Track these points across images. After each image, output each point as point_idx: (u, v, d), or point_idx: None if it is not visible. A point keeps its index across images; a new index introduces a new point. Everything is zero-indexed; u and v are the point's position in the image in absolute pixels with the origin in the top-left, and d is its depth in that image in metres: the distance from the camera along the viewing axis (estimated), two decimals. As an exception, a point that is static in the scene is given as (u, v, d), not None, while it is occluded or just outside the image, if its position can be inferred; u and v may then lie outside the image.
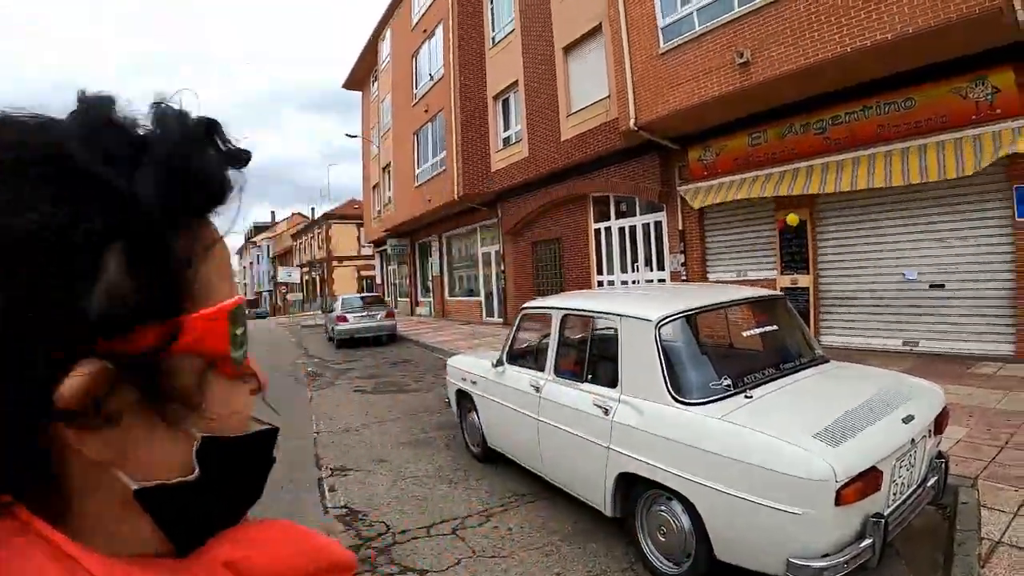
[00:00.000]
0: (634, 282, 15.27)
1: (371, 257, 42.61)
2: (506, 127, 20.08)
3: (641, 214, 15.11)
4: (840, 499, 3.12)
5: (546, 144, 17.15)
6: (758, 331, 5.03)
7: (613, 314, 4.61)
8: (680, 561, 3.97)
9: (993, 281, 9.20)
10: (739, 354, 5.16)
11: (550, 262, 18.64)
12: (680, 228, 13.67)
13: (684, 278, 13.52)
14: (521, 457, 5.71)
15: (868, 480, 3.27)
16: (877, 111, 9.91)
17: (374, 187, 33.93)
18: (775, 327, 5.01)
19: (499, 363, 5.95)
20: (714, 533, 3.63)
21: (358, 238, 48.56)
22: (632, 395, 4.27)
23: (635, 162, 14.38)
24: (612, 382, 4.50)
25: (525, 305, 5.99)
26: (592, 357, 4.90)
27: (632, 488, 4.29)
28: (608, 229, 16.15)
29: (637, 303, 4.71)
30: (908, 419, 3.78)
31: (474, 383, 6.47)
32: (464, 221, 23.68)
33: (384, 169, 31.17)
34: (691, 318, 4.49)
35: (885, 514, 3.36)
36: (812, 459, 3.18)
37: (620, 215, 15.85)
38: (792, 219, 11.34)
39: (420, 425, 8.39)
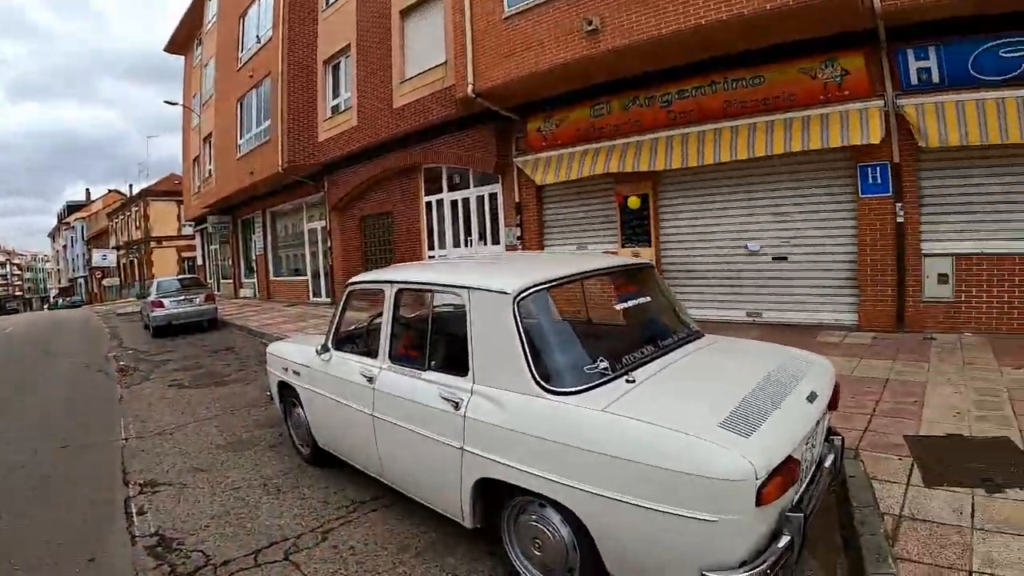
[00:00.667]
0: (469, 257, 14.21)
1: (193, 237, 38.57)
2: (335, 94, 18.50)
3: (476, 186, 14.41)
4: (761, 499, 2.55)
5: (377, 112, 15.90)
6: (631, 304, 4.29)
7: (460, 287, 3.73)
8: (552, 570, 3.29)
9: (836, 254, 9.48)
10: (609, 332, 4.41)
11: (379, 237, 17.54)
12: (517, 201, 13.13)
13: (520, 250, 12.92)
14: (358, 460, 4.74)
15: (787, 472, 2.73)
16: (725, 87, 9.86)
17: (195, 160, 30.73)
18: (647, 299, 4.34)
19: (324, 349, 4.88)
20: (604, 546, 2.94)
21: (179, 216, 44.29)
22: (487, 385, 3.46)
23: (471, 132, 13.59)
24: (462, 370, 3.65)
25: (352, 280, 4.91)
26: (435, 340, 4.02)
27: (496, 495, 3.49)
28: (440, 202, 15.32)
29: (489, 273, 3.85)
30: (812, 397, 3.36)
31: (297, 373, 5.34)
32: (289, 196, 21.87)
33: (205, 140, 28.18)
34: (554, 290, 3.71)
35: (801, 506, 2.90)
36: (726, 455, 2.58)
37: (453, 187, 15.04)
38: (633, 202, 11.11)
39: (242, 423, 7.23)
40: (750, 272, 10.31)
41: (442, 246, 15.41)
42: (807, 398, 3.32)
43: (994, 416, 5.20)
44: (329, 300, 20.16)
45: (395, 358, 4.24)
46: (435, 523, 4.26)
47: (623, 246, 11.51)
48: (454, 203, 14.95)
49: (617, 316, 4.39)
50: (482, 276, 3.73)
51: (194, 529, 4.54)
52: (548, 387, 3.22)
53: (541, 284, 3.57)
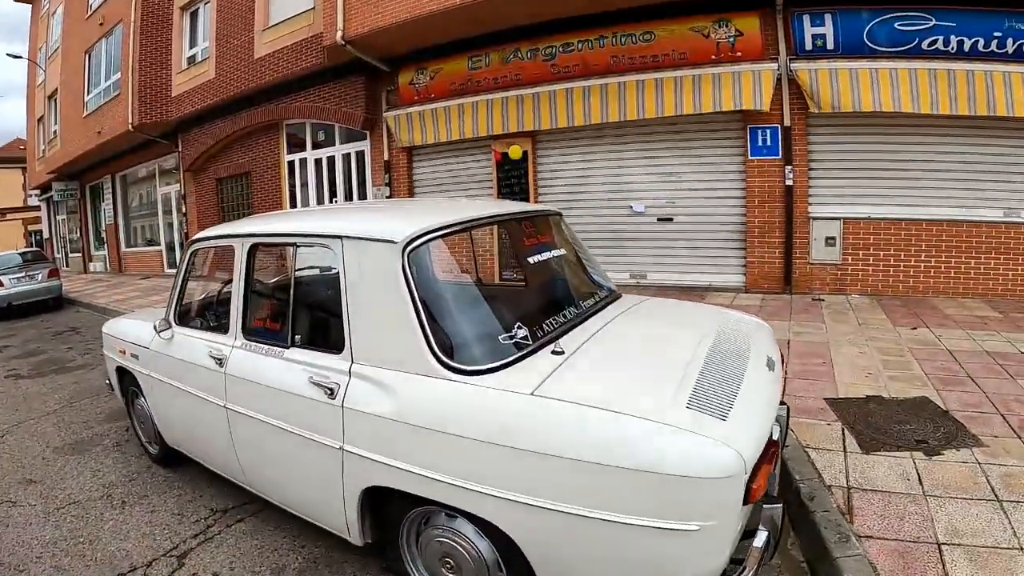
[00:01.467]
0: None
1: (39, 208, 33.89)
2: (192, 44, 16.35)
3: (341, 143, 13.21)
4: (749, 495, 2.00)
5: (237, 64, 14.25)
6: (543, 258, 3.53)
7: (329, 236, 2.86)
8: None
9: (724, 216, 9.30)
10: (516, 293, 3.64)
11: (237, 200, 15.92)
12: (386, 159, 12.12)
13: None
14: (215, 463, 3.80)
15: (770, 458, 2.19)
16: (613, 42, 9.30)
17: (39, 120, 26.60)
18: (559, 252, 3.63)
19: (165, 325, 3.84)
20: (543, 569, 2.26)
21: (24, 185, 39.05)
22: (370, 364, 2.63)
23: (338, 85, 12.38)
24: (336, 345, 2.81)
25: (196, 236, 3.85)
26: (301, 308, 3.17)
27: (389, 503, 2.68)
28: (304, 161, 13.96)
29: (367, 219, 3.07)
30: (771, 364, 2.88)
31: (136, 357, 4.26)
32: (141, 157, 19.41)
33: (50, 97, 24.44)
34: (450, 240, 2.93)
35: (775, 494, 2.41)
36: (709, 447, 1.98)
37: (318, 145, 13.71)
38: (515, 151, 10.44)
39: (84, 417, 5.99)
40: (634, 233, 10.00)
41: (305, 208, 14.06)
42: (767, 365, 2.81)
43: (905, 376, 5.13)
44: None
45: (250, 333, 3.31)
46: (315, 534, 3.45)
47: None
48: (318, 162, 13.67)
49: (521, 274, 3.69)
50: (359, 222, 2.91)
51: (24, 562, 3.48)
52: (453, 365, 2.44)
53: (436, 230, 2.75)
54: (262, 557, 3.36)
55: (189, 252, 3.87)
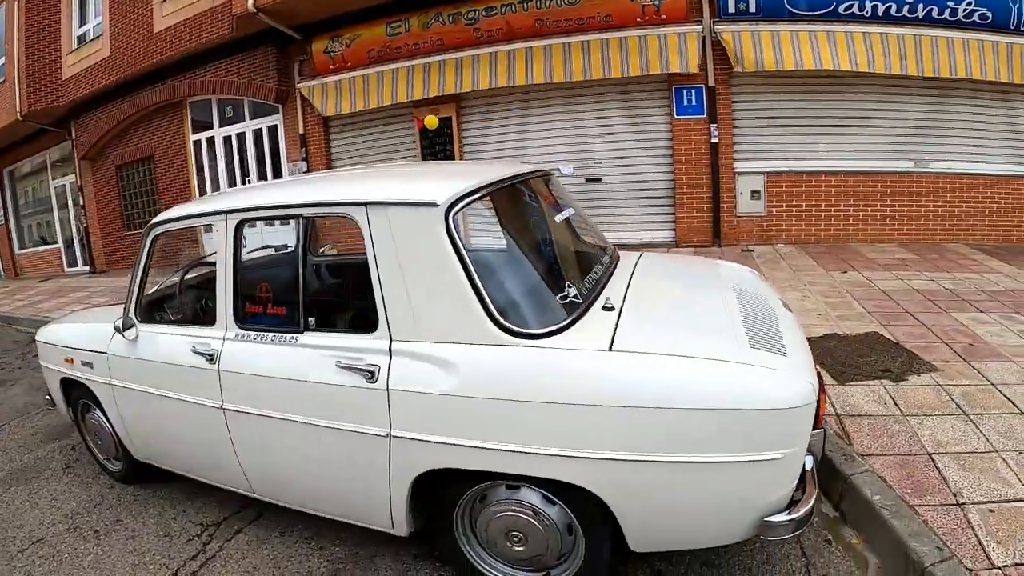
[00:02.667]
0: None
1: None
2: (83, 20, 14.49)
3: (252, 119, 12.23)
4: (817, 422, 2.21)
5: (134, 39, 12.75)
6: (563, 216, 3.35)
7: (348, 203, 2.54)
8: (559, 574, 2.47)
9: (652, 174, 9.37)
10: (550, 253, 3.24)
11: (141, 187, 14.43)
12: (301, 132, 11.38)
13: None
14: (205, 473, 3.37)
15: (822, 385, 2.33)
16: (538, 4, 9.06)
17: None
18: (573, 211, 3.46)
19: (126, 325, 3.30)
20: (629, 522, 2.22)
21: None
22: (416, 339, 2.39)
23: (247, 56, 11.46)
24: (366, 323, 2.54)
25: (157, 219, 3.36)
26: (312, 288, 2.95)
27: (442, 487, 2.50)
28: (211, 140, 12.83)
29: (393, 182, 2.75)
30: (787, 305, 3.07)
31: (89, 365, 3.64)
32: (30, 150, 17.15)
33: None
34: (483, 200, 2.72)
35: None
36: (788, 379, 2.11)
37: (225, 122, 12.61)
38: (431, 122, 9.95)
39: (17, 442, 5.05)
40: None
41: (216, 190, 12.76)
42: (785, 307, 2.97)
43: (852, 314, 5.42)
44: (88, 269, 16.36)
45: (245, 321, 2.93)
46: (331, 533, 3.17)
47: None
48: (227, 140, 12.61)
49: (547, 235, 3.36)
50: (384, 186, 2.61)
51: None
52: (518, 330, 2.28)
53: (475, 191, 2.55)
54: (281, 567, 3.01)
55: (150, 238, 3.33)
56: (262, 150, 12.15)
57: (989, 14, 7.77)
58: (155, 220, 3.33)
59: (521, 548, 2.44)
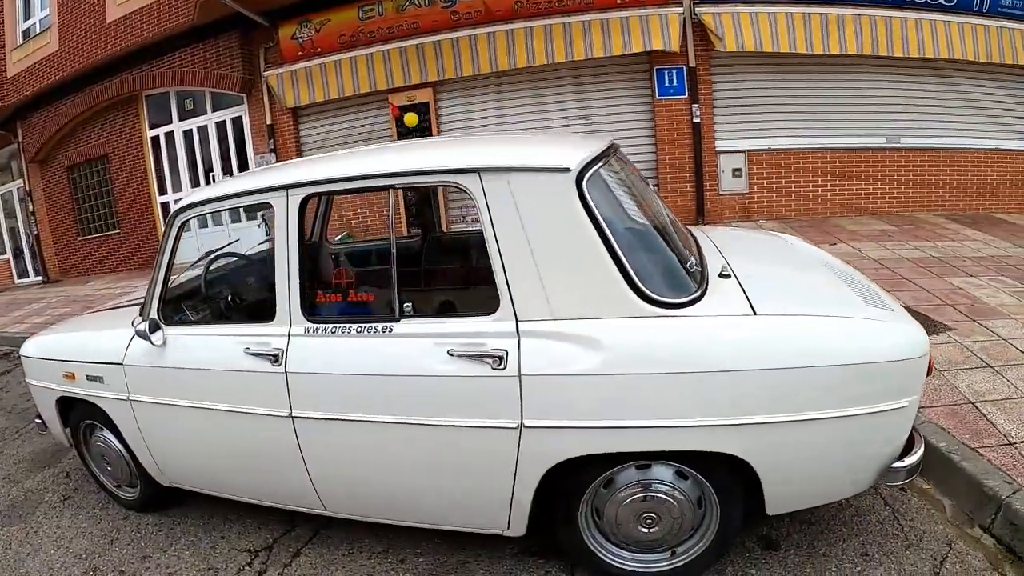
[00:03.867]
0: None
1: None
2: (28, 13, 13.30)
3: (214, 111, 11.42)
4: (930, 368, 2.25)
5: (85, 31, 11.71)
6: (650, 187, 3.25)
7: (457, 170, 2.28)
8: (687, 550, 2.40)
9: (635, 155, 9.11)
10: (654, 223, 2.91)
11: (95, 189, 13.26)
12: (269, 122, 10.67)
13: None
14: (260, 493, 2.92)
15: None
16: (517, -14, 8.68)
17: None
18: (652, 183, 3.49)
19: (152, 328, 2.80)
20: (772, 484, 2.18)
21: None
22: (549, 317, 2.17)
23: (209, 45, 10.66)
24: (483, 304, 2.30)
25: (186, 203, 2.85)
26: (409, 268, 2.57)
27: (566, 478, 2.29)
28: (170, 135, 11.91)
29: (505, 148, 2.50)
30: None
31: (98, 379, 3.10)
32: None
33: None
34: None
35: None
36: (912, 331, 2.21)
37: (185, 115, 11.73)
38: (410, 119, 9.60)
39: (2, 472, 4.31)
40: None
41: (177, 188, 12.01)
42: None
43: None
44: (41, 279, 14.96)
45: (318, 313, 2.54)
46: (408, 543, 2.86)
47: None
48: (188, 134, 11.75)
49: (649, 205, 3.09)
50: (503, 151, 2.37)
51: None
52: (660, 299, 2.15)
53: (600, 156, 2.37)
54: None
55: (176, 226, 2.84)
56: (226, 143, 11.43)
57: None
58: (183, 204, 2.85)
59: (653, 529, 2.32)
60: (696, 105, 8.74)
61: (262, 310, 2.70)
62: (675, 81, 8.76)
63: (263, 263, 3.47)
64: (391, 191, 2.38)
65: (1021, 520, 2.42)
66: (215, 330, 2.81)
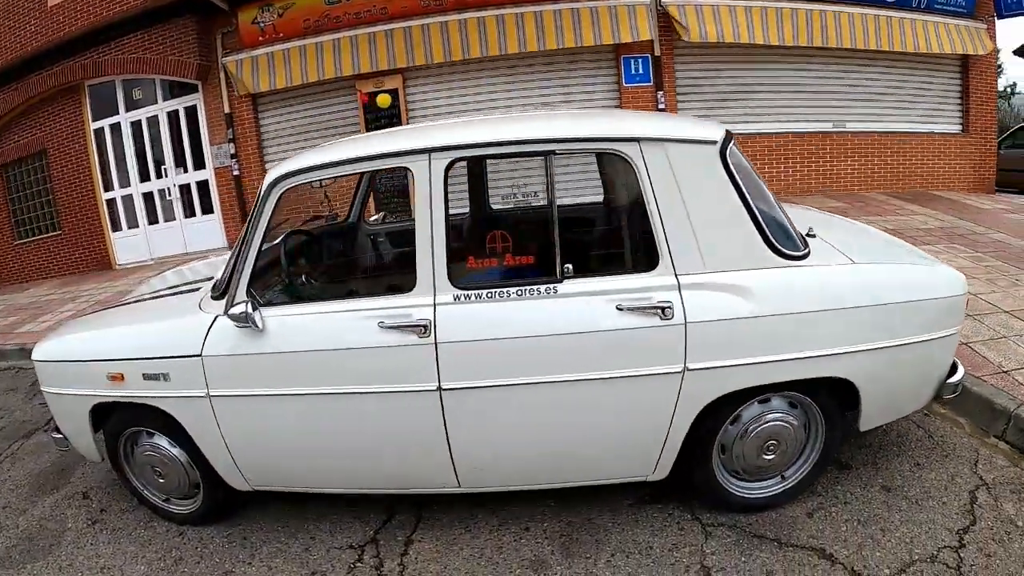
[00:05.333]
0: (165, 190, 10.60)
1: None
2: None
3: (166, 100, 10.55)
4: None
5: (24, 17, 10.60)
6: None
7: (619, 139, 2.40)
8: (795, 472, 2.78)
9: None
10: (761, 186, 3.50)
11: (33, 188, 11.95)
12: (226, 111, 10.01)
13: (236, 173, 10.07)
14: (373, 479, 2.74)
15: None
16: (487, -27, 8.42)
17: None
18: None
19: (252, 306, 2.47)
20: (869, 403, 2.58)
21: None
22: (703, 270, 2.38)
23: (162, 30, 9.84)
24: (641, 262, 2.46)
25: (292, 167, 2.53)
26: (567, 231, 2.51)
27: (702, 422, 2.51)
28: (116, 127, 10.87)
29: (652, 121, 2.66)
30: None
31: (160, 377, 2.68)
32: None
33: None
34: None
35: None
36: (957, 275, 2.68)
37: (133, 105, 10.75)
38: (383, 100, 9.39)
39: (4, 501, 3.57)
40: (512, 163, 9.84)
41: (124, 183, 11.03)
42: None
43: None
44: None
45: (469, 279, 2.43)
46: (525, 511, 2.83)
47: None
48: (136, 125, 10.75)
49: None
50: (655, 124, 2.54)
51: None
52: (787, 252, 2.47)
53: (729, 134, 2.63)
54: (496, 564, 2.56)
55: (276, 196, 2.54)
56: (179, 134, 10.62)
57: None
58: (285, 170, 2.53)
59: (771, 457, 2.60)
60: (661, 92, 9.01)
61: (392, 281, 2.62)
62: (641, 69, 9.02)
63: (382, 234, 3.65)
64: (549, 157, 2.39)
65: None
66: (328, 307, 2.53)
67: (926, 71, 9.58)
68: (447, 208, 2.36)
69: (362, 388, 2.45)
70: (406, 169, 2.38)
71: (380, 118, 9.57)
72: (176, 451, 2.86)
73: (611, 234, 2.65)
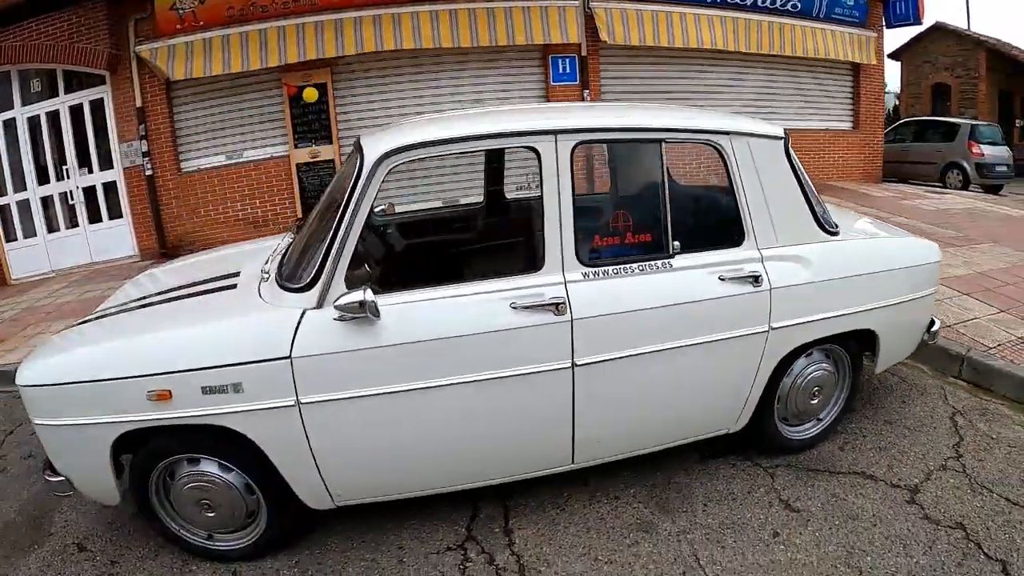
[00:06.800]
0: (66, 193, 9.36)
1: None
2: None
3: (68, 92, 9.35)
4: None
5: None
6: None
7: (715, 132, 2.71)
8: (828, 413, 3.30)
9: None
10: None
11: None
12: (139, 105, 9.10)
13: (149, 173, 9.17)
14: (473, 471, 2.65)
15: None
16: (420, -30, 8.23)
17: None
18: None
19: (370, 294, 2.22)
20: (885, 349, 3.19)
21: None
22: (776, 245, 2.78)
23: (67, 14, 8.71)
24: (729, 238, 2.75)
25: (404, 142, 2.38)
26: (675, 212, 2.67)
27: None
28: (10, 123, 9.47)
29: (724, 117, 3.04)
30: None
31: (232, 389, 2.28)
32: None
33: None
34: None
35: None
36: (933, 245, 3.37)
37: (31, 99, 9.48)
38: (310, 94, 9.02)
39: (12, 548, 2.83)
40: (446, 162, 9.49)
41: (18, 187, 9.65)
42: None
43: None
44: None
45: (597, 256, 2.53)
46: (605, 481, 2.98)
47: (296, 146, 9.33)
48: (34, 121, 9.47)
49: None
50: (735, 121, 2.90)
51: None
52: (830, 229, 2.99)
53: (787, 131, 3.05)
54: (605, 533, 2.68)
55: (382, 174, 2.35)
56: (83, 131, 9.49)
57: (798, 4, 9.91)
58: (396, 144, 2.36)
59: (815, 401, 3.11)
60: (587, 91, 9.44)
61: (512, 262, 2.68)
62: (568, 69, 9.42)
63: (488, 215, 3.82)
64: (662, 145, 2.63)
65: (979, 365, 3.84)
66: (450, 291, 2.41)
67: (824, 74, 10.80)
68: (573, 189, 2.44)
69: (492, 373, 2.38)
70: (533, 149, 2.41)
71: (308, 113, 9.27)
72: (231, 476, 2.46)
73: (704, 213, 2.96)
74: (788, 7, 9.80)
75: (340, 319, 2.28)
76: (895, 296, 3.04)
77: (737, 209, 2.71)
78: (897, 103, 24.65)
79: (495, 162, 3.74)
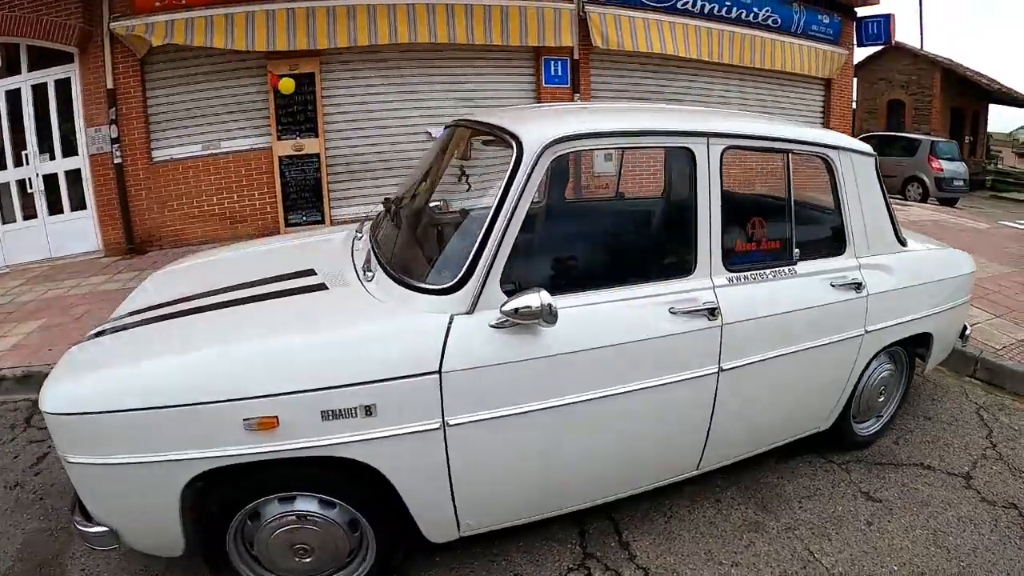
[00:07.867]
0: (25, 181, 8.55)
1: None
2: None
3: (32, 70, 8.51)
4: None
5: None
6: None
7: (828, 146, 2.89)
8: (886, 411, 3.61)
9: None
10: None
11: None
12: (110, 87, 8.38)
13: (118, 161, 8.47)
14: (617, 484, 2.60)
15: None
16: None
17: None
18: None
19: (544, 298, 1.99)
20: (936, 349, 3.56)
21: None
22: (867, 254, 3.04)
23: None
24: (833, 248, 2.95)
25: (569, 131, 2.22)
26: (798, 221, 2.81)
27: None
28: None
29: (838, 135, 3.18)
30: None
31: (363, 412, 1.97)
32: None
33: None
34: None
35: None
36: (969, 256, 3.75)
37: None
38: (286, 85, 8.55)
39: None
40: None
41: None
42: None
43: None
44: None
45: (736, 262, 2.58)
46: (699, 486, 3.03)
47: (279, 138, 8.89)
48: None
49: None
50: (837, 136, 3.12)
51: None
52: (903, 240, 3.27)
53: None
54: (719, 537, 2.77)
55: (548, 164, 2.17)
56: (46, 112, 8.68)
57: (779, 19, 10.38)
58: (560, 133, 2.18)
59: (883, 398, 3.42)
60: (578, 94, 9.60)
61: (660, 264, 2.68)
62: (560, 71, 9.55)
63: (642, 214, 4.03)
64: (788, 155, 2.78)
65: (992, 365, 4.27)
66: (606, 295, 2.30)
67: (800, 88, 11.31)
68: (722, 192, 2.47)
69: (653, 381, 2.32)
70: (687, 150, 2.43)
71: (293, 104, 8.89)
72: (334, 512, 2.14)
73: (814, 223, 3.08)
74: (769, 22, 10.31)
75: (501, 325, 2.05)
76: (949, 302, 3.39)
77: (841, 219, 2.94)
78: (853, 118, 25.75)
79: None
